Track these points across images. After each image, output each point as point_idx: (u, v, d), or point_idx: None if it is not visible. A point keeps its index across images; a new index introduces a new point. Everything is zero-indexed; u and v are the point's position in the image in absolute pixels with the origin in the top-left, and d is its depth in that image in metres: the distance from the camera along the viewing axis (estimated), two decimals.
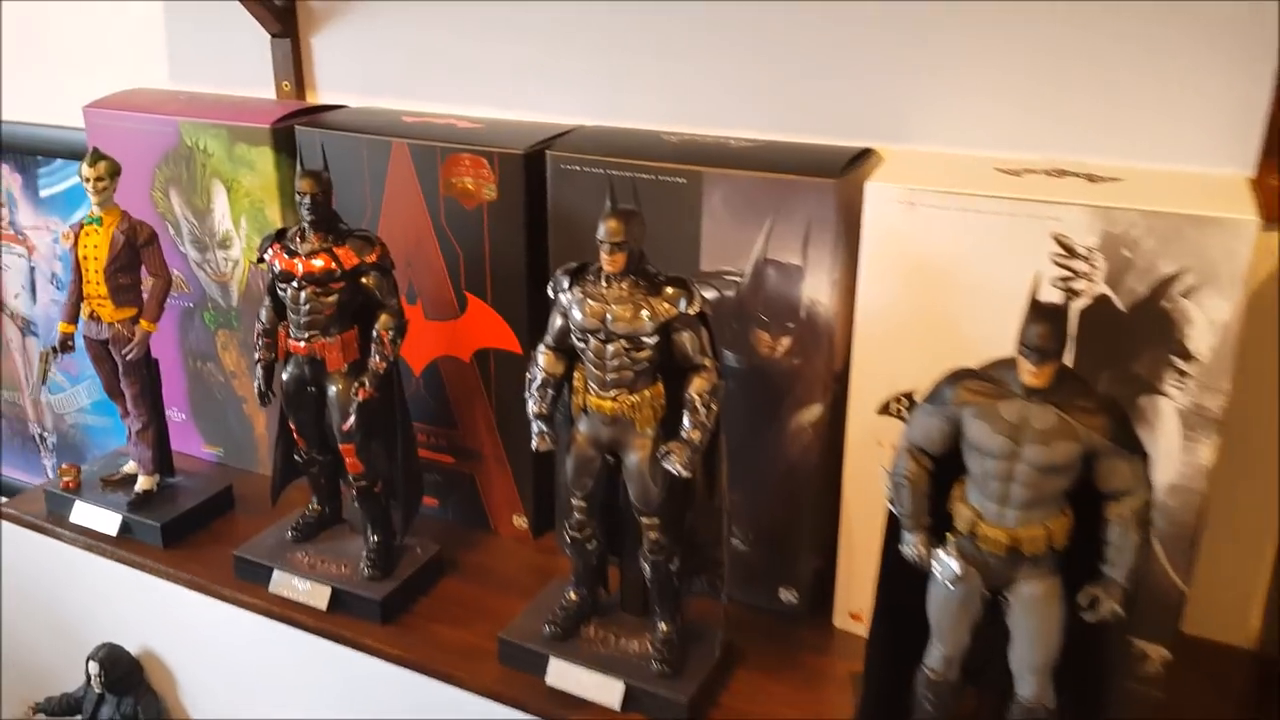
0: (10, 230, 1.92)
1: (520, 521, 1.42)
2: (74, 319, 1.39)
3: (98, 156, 1.31)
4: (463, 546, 1.40)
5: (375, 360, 1.22)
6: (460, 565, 1.37)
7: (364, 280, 1.22)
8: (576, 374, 1.09)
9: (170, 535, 1.40)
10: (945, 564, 0.88)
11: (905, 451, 0.91)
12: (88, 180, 1.31)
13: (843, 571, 1.20)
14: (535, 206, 1.27)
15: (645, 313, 1.03)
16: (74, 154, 1.78)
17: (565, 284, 1.08)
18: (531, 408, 1.11)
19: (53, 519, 1.46)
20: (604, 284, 1.05)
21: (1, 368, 2.08)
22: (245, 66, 1.59)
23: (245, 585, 1.33)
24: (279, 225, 1.41)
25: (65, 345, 1.40)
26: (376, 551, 1.29)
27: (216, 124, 1.40)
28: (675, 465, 1.04)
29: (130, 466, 1.48)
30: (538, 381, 1.11)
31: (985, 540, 0.87)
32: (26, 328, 1.99)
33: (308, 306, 1.20)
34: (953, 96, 1.20)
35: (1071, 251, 0.97)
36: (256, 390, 1.27)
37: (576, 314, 1.05)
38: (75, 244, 1.34)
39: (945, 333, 1.04)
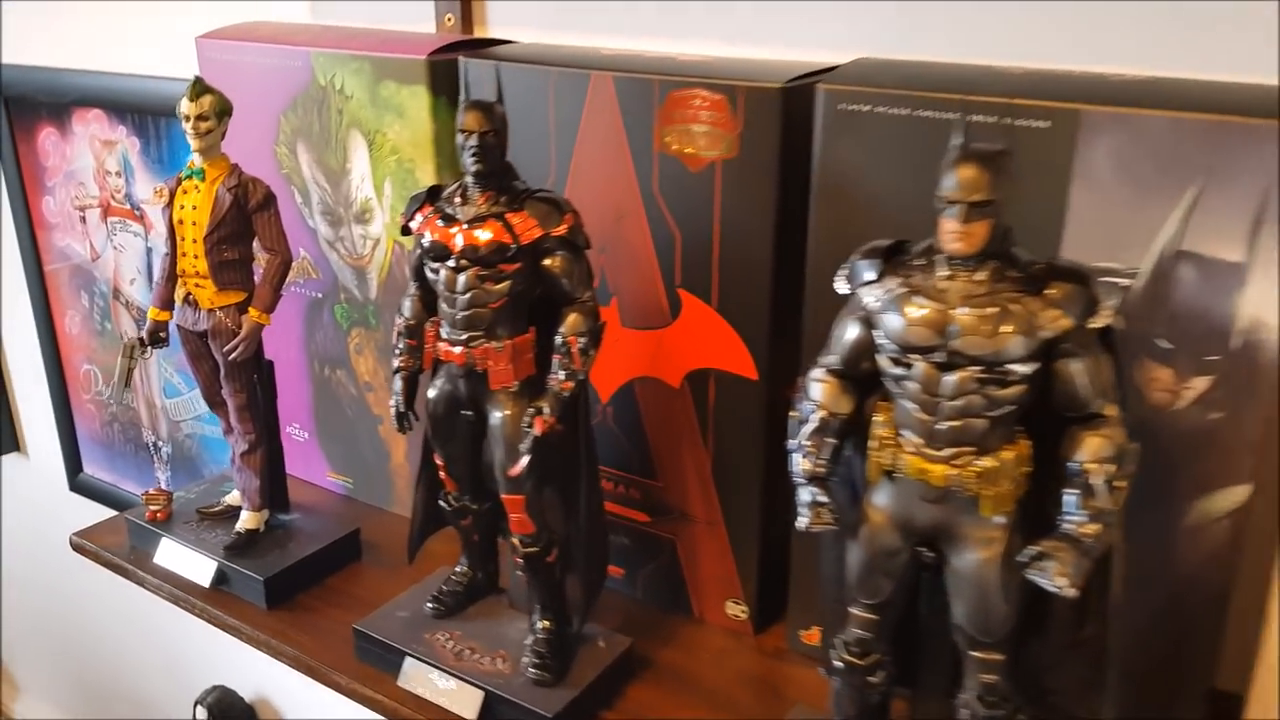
0: (126, 204, 1.64)
1: (738, 610, 1.02)
2: (168, 304, 1.07)
3: (201, 89, 0.99)
4: (655, 638, 1.02)
5: (559, 378, 0.85)
6: (654, 665, 0.99)
7: (546, 262, 0.85)
8: (879, 417, 0.70)
9: (275, 593, 1.06)
10: None
11: None
12: (187, 119, 0.98)
13: None
14: (793, 168, 0.88)
15: (1013, 324, 0.63)
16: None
17: (872, 272, 0.68)
18: (801, 464, 0.72)
19: (134, 558, 1.15)
20: (943, 273, 0.65)
21: (115, 365, 1.81)
22: None
23: (367, 672, 0.98)
24: None
25: (156, 338, 1.08)
26: (547, 643, 0.92)
27: (358, 55, 1.06)
28: (1053, 578, 0.63)
29: (234, 496, 1.15)
30: (813, 424, 0.71)
31: None
32: (142, 319, 1.72)
33: (468, 296, 0.84)
34: None
35: None
36: (394, 410, 0.92)
37: (893, 320, 0.66)
38: (170, 203, 1.02)
39: None
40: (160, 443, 1.79)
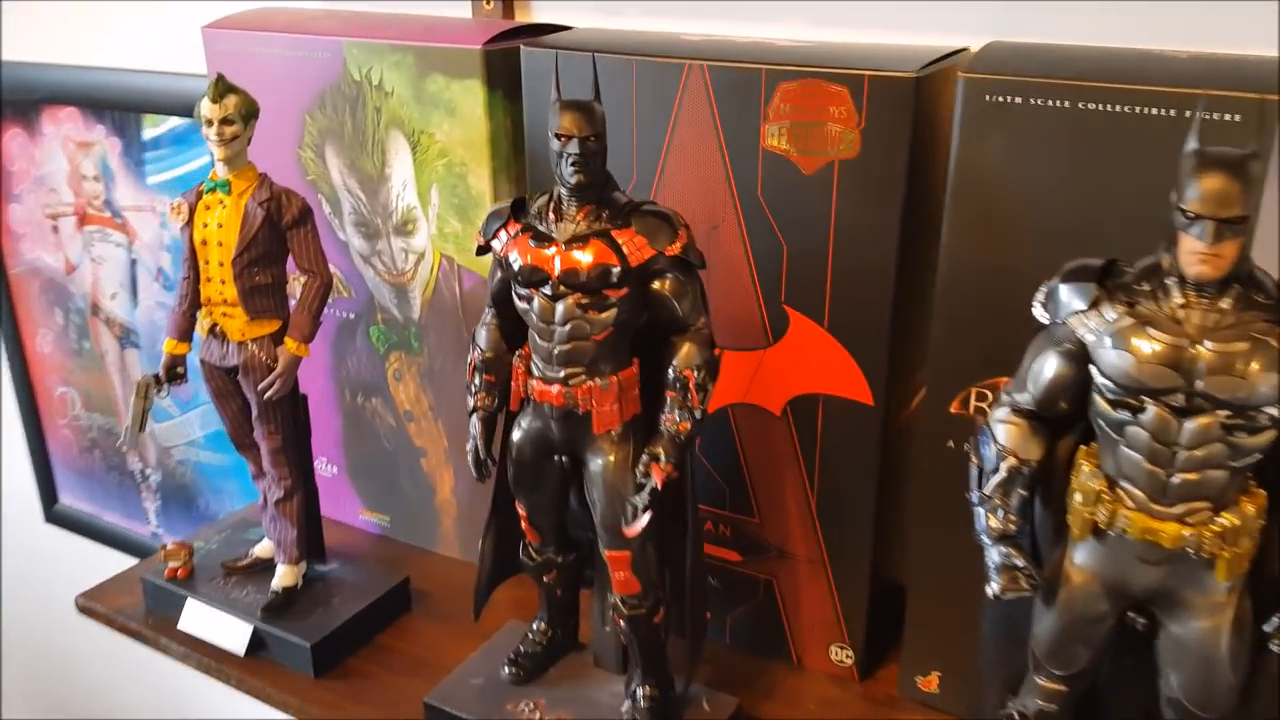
0: (106, 212, 1.50)
1: (842, 655, 0.93)
2: (187, 334, 0.94)
3: (225, 88, 0.86)
4: (755, 689, 0.92)
5: (673, 419, 0.74)
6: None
7: (656, 285, 0.74)
8: (1086, 465, 0.60)
9: (324, 658, 0.94)
10: None
11: None
12: (209, 124, 0.86)
13: None
14: (923, 169, 0.78)
15: (1266, 361, 0.53)
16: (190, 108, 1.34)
17: (1083, 299, 0.58)
18: (989, 521, 0.62)
19: (153, 623, 1.02)
20: (1177, 300, 0.55)
21: (95, 387, 1.66)
22: None
23: None
24: (491, 199, 0.94)
25: (173, 373, 0.96)
26: (650, 712, 0.82)
27: (399, 45, 0.93)
28: None
29: (264, 548, 1.03)
30: (1002, 475, 0.61)
31: None
32: (126, 337, 1.57)
33: (568, 327, 0.72)
34: None
35: None
36: (471, 456, 0.81)
37: (1119, 356, 0.56)
38: (190, 221, 0.89)
39: None
40: (148, 470, 1.65)
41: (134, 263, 1.50)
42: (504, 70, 0.91)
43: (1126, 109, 0.68)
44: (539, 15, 1.07)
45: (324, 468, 1.14)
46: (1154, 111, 0.68)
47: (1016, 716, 0.67)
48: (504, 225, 0.75)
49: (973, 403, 0.79)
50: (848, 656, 0.93)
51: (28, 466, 1.85)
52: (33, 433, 1.80)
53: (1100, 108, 0.69)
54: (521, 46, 0.88)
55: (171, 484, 1.62)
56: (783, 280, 0.84)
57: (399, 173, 0.97)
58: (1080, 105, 0.70)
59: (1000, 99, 0.72)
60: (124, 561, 1.82)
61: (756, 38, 0.92)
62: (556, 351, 0.73)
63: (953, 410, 0.80)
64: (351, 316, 1.06)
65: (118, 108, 1.40)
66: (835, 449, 0.87)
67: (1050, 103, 0.70)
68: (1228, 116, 0.66)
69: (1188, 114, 0.67)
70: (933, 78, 0.77)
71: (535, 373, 0.75)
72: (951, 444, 0.81)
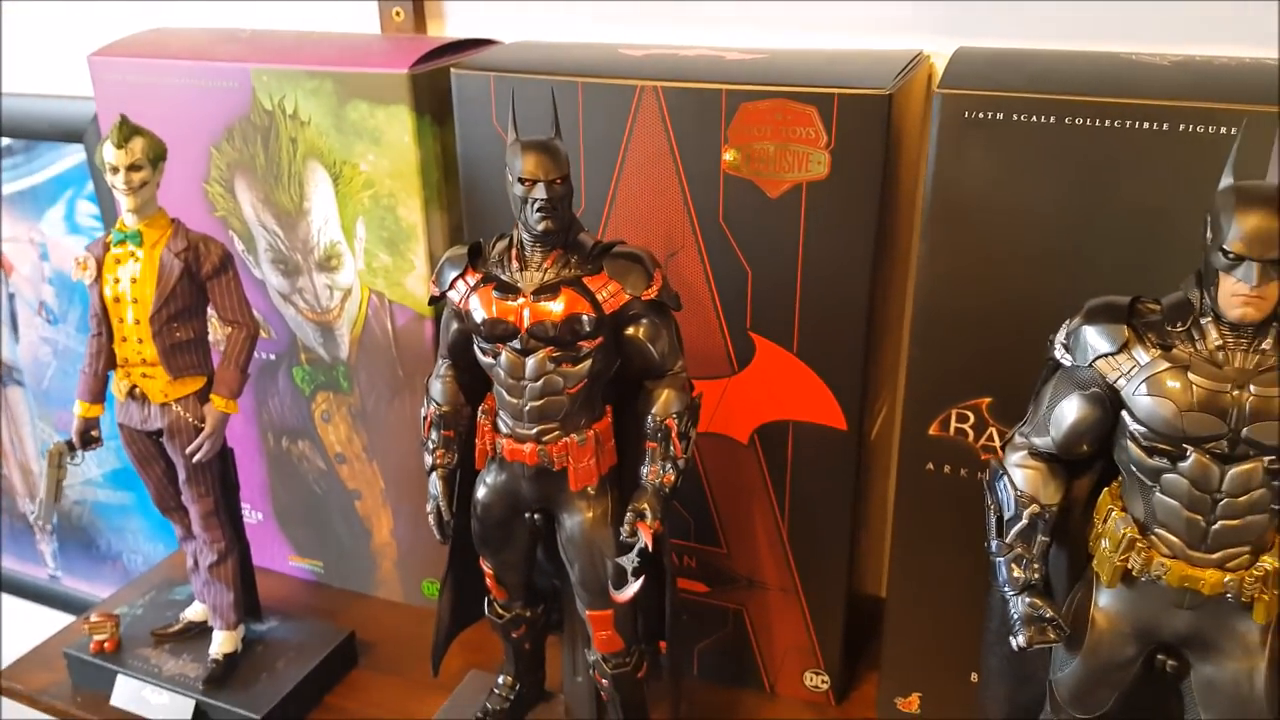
0: None
1: (817, 680, 0.91)
2: (100, 396, 0.86)
3: (129, 131, 0.77)
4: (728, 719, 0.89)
5: (657, 471, 0.69)
6: None
7: (630, 331, 0.69)
8: (1116, 511, 0.58)
9: None
10: None
11: None
12: (115, 171, 0.77)
13: None
14: (888, 185, 0.75)
15: None
16: (37, 131, 1.22)
17: (1111, 341, 0.56)
18: (1013, 573, 0.61)
19: (82, 701, 0.93)
20: (1213, 342, 0.53)
21: None
22: None
23: None
24: (424, 231, 0.87)
25: (87, 439, 0.87)
26: None
27: (315, 71, 0.85)
28: None
29: (196, 610, 0.95)
30: (1024, 523, 0.60)
31: None
32: (8, 375, 1.44)
33: (540, 383, 0.67)
34: None
35: None
36: (433, 517, 0.75)
37: (1157, 404, 0.54)
38: (99, 277, 0.80)
39: None
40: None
41: (11, 297, 1.37)
42: (430, 93, 0.84)
43: (1117, 124, 0.66)
44: (453, 24, 0.99)
45: (249, 514, 1.06)
46: (1146, 126, 0.66)
47: None
48: (461, 274, 0.69)
49: (953, 424, 0.77)
50: (823, 682, 0.91)
51: None
52: None
53: (1089, 123, 0.67)
54: (452, 70, 0.82)
55: (68, 525, 1.50)
56: (748, 306, 0.80)
57: (320, 206, 0.89)
58: (1067, 120, 0.67)
59: (981, 115, 0.69)
60: (22, 607, 1.69)
61: (691, 44, 0.87)
62: (528, 408, 0.68)
63: (932, 433, 0.78)
64: (272, 358, 0.98)
65: None
66: (807, 475, 0.84)
67: (1035, 118, 0.68)
68: (1221, 130, 0.65)
69: (1181, 128, 0.65)
70: (899, 90, 0.73)
71: (504, 430, 0.70)
72: (931, 466, 0.79)
